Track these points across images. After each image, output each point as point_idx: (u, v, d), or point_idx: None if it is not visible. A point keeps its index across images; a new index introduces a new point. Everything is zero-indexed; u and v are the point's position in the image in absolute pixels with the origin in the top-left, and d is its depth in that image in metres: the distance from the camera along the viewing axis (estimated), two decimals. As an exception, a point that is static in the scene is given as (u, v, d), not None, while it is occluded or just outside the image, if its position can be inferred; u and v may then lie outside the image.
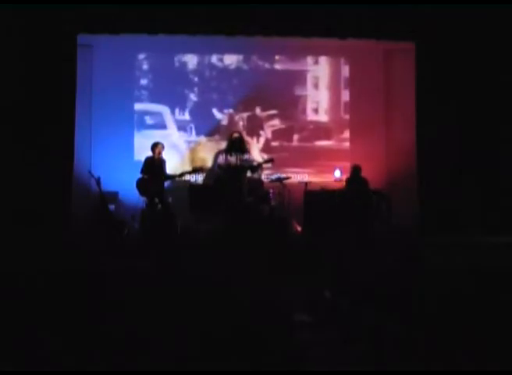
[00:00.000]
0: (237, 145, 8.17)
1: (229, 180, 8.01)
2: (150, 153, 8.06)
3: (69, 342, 3.18)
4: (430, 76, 8.67)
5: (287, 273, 4.96)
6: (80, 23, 8.15)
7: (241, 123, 9.26)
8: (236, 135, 8.33)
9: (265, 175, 8.66)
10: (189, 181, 8.74)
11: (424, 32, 8.59)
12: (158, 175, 7.97)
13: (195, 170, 8.32)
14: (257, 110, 9.30)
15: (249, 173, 8.18)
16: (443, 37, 8.50)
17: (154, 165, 7.97)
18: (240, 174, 8.05)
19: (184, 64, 9.22)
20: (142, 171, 7.96)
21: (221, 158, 8.37)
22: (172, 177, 8.17)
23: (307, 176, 9.08)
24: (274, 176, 8.49)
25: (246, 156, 8.21)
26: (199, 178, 8.96)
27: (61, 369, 2.87)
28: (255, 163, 8.33)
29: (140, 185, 7.91)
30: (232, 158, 8.16)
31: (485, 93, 8.54)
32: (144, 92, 9.17)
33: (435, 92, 8.61)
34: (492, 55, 8.48)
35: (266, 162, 8.40)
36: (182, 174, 8.16)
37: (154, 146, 8.06)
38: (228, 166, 8.15)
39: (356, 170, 8.27)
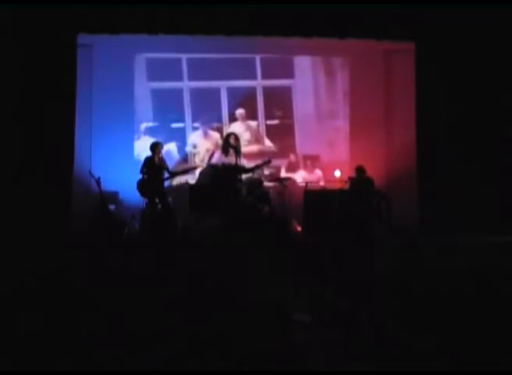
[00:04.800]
0: (233, 145, 8.16)
1: (226, 180, 8.01)
2: (150, 153, 8.08)
3: (68, 342, 3.18)
4: (430, 76, 8.68)
5: (287, 273, 4.96)
6: (80, 23, 8.15)
7: (239, 125, 9.27)
8: (232, 135, 8.32)
9: (265, 175, 8.65)
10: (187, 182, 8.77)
11: (424, 32, 8.60)
12: (158, 175, 7.98)
13: (194, 168, 8.33)
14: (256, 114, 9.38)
15: (245, 175, 8.18)
16: (443, 37, 8.51)
17: (153, 165, 7.98)
18: (236, 174, 8.04)
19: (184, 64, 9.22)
20: (141, 171, 7.97)
21: (216, 158, 8.38)
22: (176, 174, 8.20)
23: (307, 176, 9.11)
24: (273, 177, 8.48)
25: (242, 157, 8.20)
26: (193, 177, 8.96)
27: (61, 369, 2.87)
28: (252, 165, 8.33)
29: (141, 186, 7.93)
30: (228, 159, 8.16)
31: (485, 93, 8.55)
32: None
33: (435, 92, 8.62)
34: (492, 55, 8.49)
35: (263, 164, 8.39)
36: (185, 171, 8.19)
37: (154, 146, 8.07)
38: (224, 166, 8.14)
39: (360, 171, 8.29)
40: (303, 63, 9.50)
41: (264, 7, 7.94)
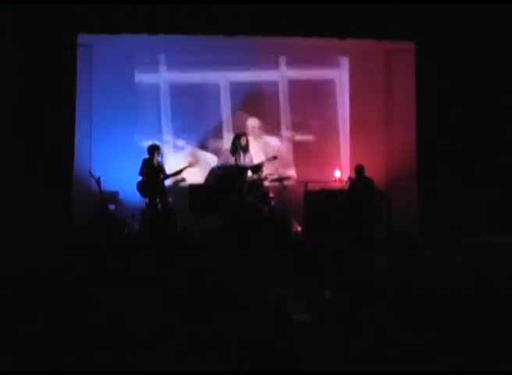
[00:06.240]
0: (241, 146, 8.14)
1: (230, 180, 8.02)
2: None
3: (68, 342, 3.18)
4: (430, 76, 8.68)
5: (287, 273, 4.96)
6: (80, 23, 8.16)
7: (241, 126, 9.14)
8: (240, 136, 8.30)
9: (266, 175, 8.63)
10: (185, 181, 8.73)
11: (424, 32, 8.60)
12: (157, 176, 8.01)
13: (191, 165, 8.31)
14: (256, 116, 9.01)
15: (250, 173, 8.19)
16: (443, 37, 8.51)
17: (152, 166, 8.01)
18: (241, 174, 8.05)
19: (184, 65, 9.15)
20: (140, 173, 8.00)
21: (224, 159, 8.38)
22: (172, 175, 8.20)
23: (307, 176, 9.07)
24: (274, 176, 8.48)
25: (248, 157, 8.20)
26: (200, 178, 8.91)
27: (61, 369, 2.87)
28: (258, 162, 8.32)
29: (141, 187, 7.98)
30: (234, 159, 8.16)
31: (485, 93, 8.55)
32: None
33: (435, 92, 8.62)
34: (492, 55, 8.49)
35: (269, 159, 8.38)
36: (180, 171, 8.19)
37: (152, 148, 8.10)
38: (229, 166, 8.15)
39: (360, 170, 8.29)
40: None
41: (264, 7, 7.93)
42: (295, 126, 7.98)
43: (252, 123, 7.83)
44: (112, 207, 8.18)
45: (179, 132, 8.27)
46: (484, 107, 8.57)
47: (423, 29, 8.56)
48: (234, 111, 7.72)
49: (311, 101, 8.08)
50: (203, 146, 8.25)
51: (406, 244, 6.85)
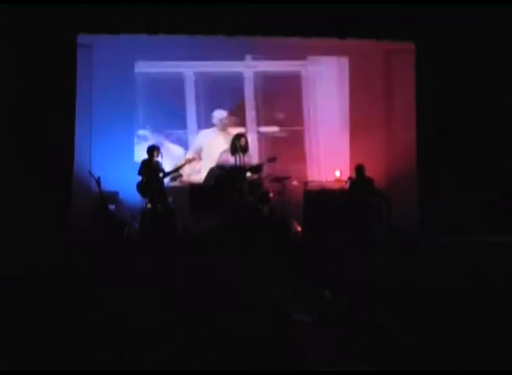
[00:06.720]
0: (240, 146, 8.13)
1: (229, 180, 8.02)
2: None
3: (68, 342, 3.18)
4: (430, 76, 8.68)
5: (287, 273, 4.96)
6: (80, 23, 8.16)
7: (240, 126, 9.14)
8: (240, 136, 8.29)
9: (266, 175, 8.63)
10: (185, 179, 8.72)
11: (424, 32, 8.60)
12: (156, 176, 8.01)
13: (189, 161, 8.28)
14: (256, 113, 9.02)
15: (250, 174, 8.18)
16: (443, 37, 8.52)
17: (151, 167, 8.01)
18: (241, 174, 8.05)
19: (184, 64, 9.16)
20: (139, 172, 8.00)
21: (223, 158, 8.38)
22: (170, 173, 8.21)
23: (307, 176, 9.08)
24: (274, 176, 8.48)
25: (247, 157, 8.19)
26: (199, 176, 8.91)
27: (61, 369, 2.87)
28: (257, 163, 8.32)
29: (141, 188, 7.97)
30: (233, 159, 8.15)
31: (485, 93, 8.55)
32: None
33: (435, 92, 8.62)
34: (492, 55, 8.49)
35: (269, 161, 8.38)
36: (178, 168, 8.17)
37: (151, 149, 8.10)
38: (229, 166, 8.15)
39: (360, 170, 8.29)
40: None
41: (264, 7, 7.94)
42: (261, 119, 8.25)
43: (218, 115, 8.09)
44: (112, 207, 8.19)
45: (142, 123, 8.51)
46: (484, 107, 8.57)
47: (423, 29, 8.56)
48: (199, 102, 7.86)
49: (278, 94, 8.28)
50: (167, 137, 8.45)
51: (406, 244, 6.85)
